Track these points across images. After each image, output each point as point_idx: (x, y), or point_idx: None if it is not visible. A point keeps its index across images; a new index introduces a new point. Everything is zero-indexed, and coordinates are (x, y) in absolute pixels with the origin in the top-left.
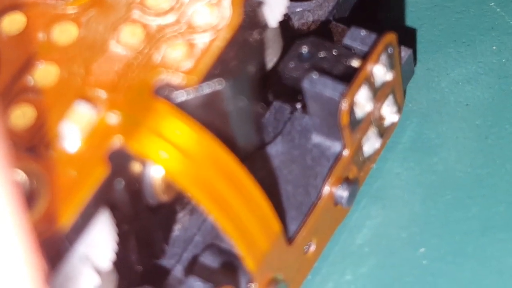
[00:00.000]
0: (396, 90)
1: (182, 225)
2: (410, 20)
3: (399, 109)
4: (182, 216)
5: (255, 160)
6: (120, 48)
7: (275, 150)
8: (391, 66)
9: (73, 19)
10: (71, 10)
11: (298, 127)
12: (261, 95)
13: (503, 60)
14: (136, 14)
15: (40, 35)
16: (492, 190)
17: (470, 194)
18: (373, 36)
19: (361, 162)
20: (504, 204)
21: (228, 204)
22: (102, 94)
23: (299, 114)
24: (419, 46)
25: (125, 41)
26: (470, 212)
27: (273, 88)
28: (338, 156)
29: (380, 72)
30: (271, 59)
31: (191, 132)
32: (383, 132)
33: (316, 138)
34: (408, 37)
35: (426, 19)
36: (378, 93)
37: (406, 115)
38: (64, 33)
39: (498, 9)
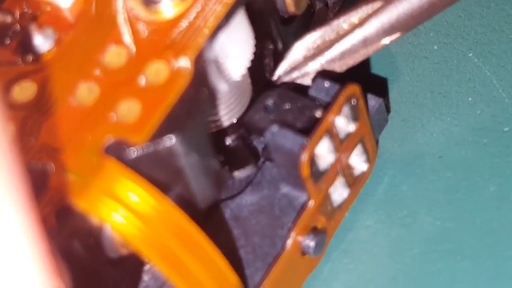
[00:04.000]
0: (366, 140)
1: (151, 275)
2: (389, 70)
3: (369, 159)
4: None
5: (224, 211)
6: (76, 105)
7: (245, 200)
8: (354, 117)
9: (33, 78)
10: (31, 68)
11: (268, 177)
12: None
13: (478, 112)
14: (95, 71)
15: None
16: (459, 245)
17: (437, 248)
18: (336, 87)
19: (330, 211)
20: (469, 260)
21: (181, 263)
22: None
23: (270, 163)
24: (396, 97)
25: (82, 98)
26: (435, 267)
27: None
28: (304, 206)
29: (343, 123)
30: (240, 108)
31: (141, 193)
32: (353, 181)
33: (284, 188)
34: (384, 87)
35: (405, 69)
36: (343, 144)
37: (380, 167)
38: (23, 91)
39: (476, 60)
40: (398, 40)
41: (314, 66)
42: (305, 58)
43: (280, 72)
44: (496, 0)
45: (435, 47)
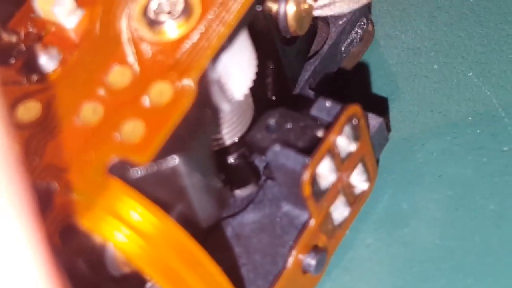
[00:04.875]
0: (366, 159)
1: None
2: (389, 89)
3: (370, 178)
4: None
5: (226, 229)
6: (81, 125)
7: (247, 218)
8: (355, 137)
9: (37, 98)
10: (36, 87)
11: (269, 196)
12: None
13: (478, 131)
14: (100, 91)
15: None
16: (460, 263)
17: (438, 266)
18: (337, 107)
19: (331, 230)
20: (471, 277)
21: (183, 282)
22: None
23: (271, 182)
24: (396, 116)
25: (86, 118)
26: (437, 285)
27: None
28: (305, 225)
29: (344, 143)
30: (242, 127)
31: (144, 212)
32: (354, 200)
33: (286, 207)
34: (384, 106)
35: (405, 88)
36: (344, 163)
37: (380, 185)
38: (28, 111)
39: (475, 80)
40: (398, 59)
41: None
42: None
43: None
44: (495, 20)
45: (435, 66)
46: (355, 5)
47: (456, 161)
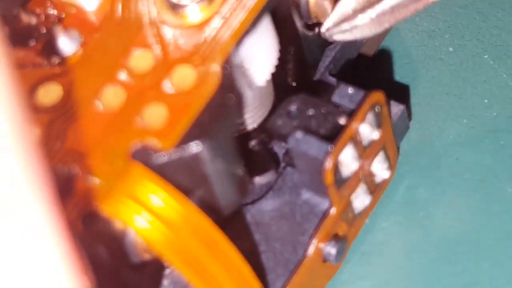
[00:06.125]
0: (388, 147)
1: (171, 279)
2: (405, 73)
3: (391, 166)
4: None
5: (245, 216)
6: (102, 109)
7: (266, 205)
8: (378, 124)
9: (58, 80)
10: (57, 70)
11: (289, 183)
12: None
13: (494, 114)
14: (121, 75)
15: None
16: (477, 247)
17: (455, 250)
18: (360, 93)
19: (351, 218)
20: (488, 261)
21: (205, 269)
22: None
23: (291, 169)
24: (411, 99)
25: (107, 102)
26: (454, 269)
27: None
28: (326, 214)
29: (367, 131)
30: (262, 113)
31: (166, 197)
32: (374, 188)
33: (306, 195)
34: (402, 91)
35: (420, 71)
36: (366, 151)
37: (397, 169)
38: (49, 94)
39: (491, 62)
40: (413, 42)
41: (363, 19)
42: (354, 11)
43: (329, 24)
44: (510, 2)
45: (451, 49)
46: (377, 30)
47: (473, 144)
